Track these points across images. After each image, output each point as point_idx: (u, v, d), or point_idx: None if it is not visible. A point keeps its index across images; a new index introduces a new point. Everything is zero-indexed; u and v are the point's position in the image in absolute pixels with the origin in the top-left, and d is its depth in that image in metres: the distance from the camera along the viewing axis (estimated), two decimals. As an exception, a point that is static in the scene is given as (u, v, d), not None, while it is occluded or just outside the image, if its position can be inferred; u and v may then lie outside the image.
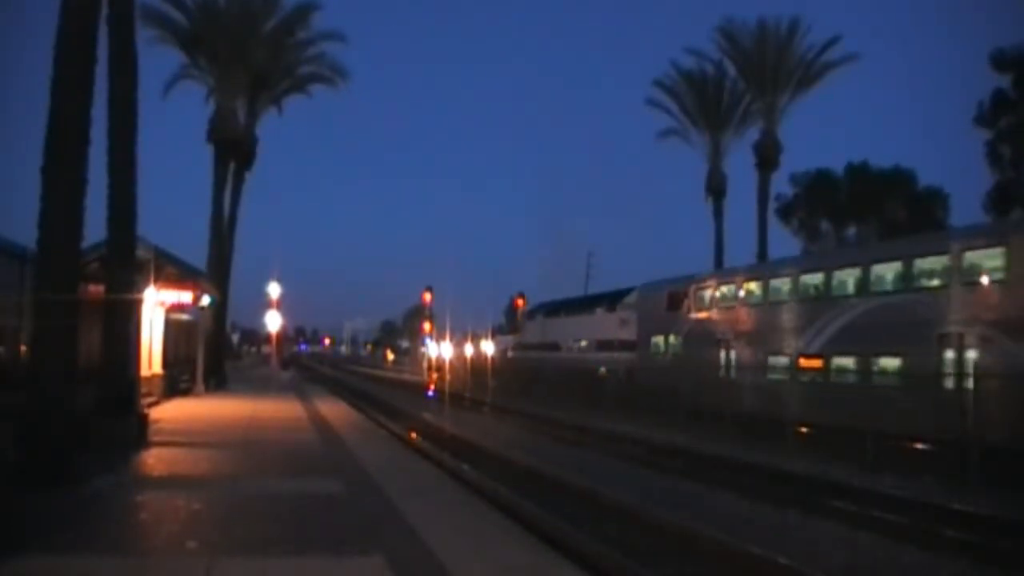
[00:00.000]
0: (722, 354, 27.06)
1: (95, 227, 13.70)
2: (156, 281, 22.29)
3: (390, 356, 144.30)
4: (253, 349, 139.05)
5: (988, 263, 18.36)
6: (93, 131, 11.76)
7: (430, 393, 47.40)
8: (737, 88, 48.48)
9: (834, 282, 23.10)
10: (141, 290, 19.09)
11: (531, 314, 52.86)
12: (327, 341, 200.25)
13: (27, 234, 12.15)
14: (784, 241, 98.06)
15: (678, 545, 10.61)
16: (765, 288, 26.15)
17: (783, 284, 25.32)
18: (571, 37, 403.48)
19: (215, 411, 23.67)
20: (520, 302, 57.90)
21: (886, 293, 21.04)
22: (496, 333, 62.20)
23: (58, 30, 11.37)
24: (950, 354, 18.47)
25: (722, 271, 30.01)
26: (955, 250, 19.18)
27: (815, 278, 24.18)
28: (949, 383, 18.33)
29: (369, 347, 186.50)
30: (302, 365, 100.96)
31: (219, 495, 10.39)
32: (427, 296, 75.87)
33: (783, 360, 23.95)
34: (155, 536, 8.24)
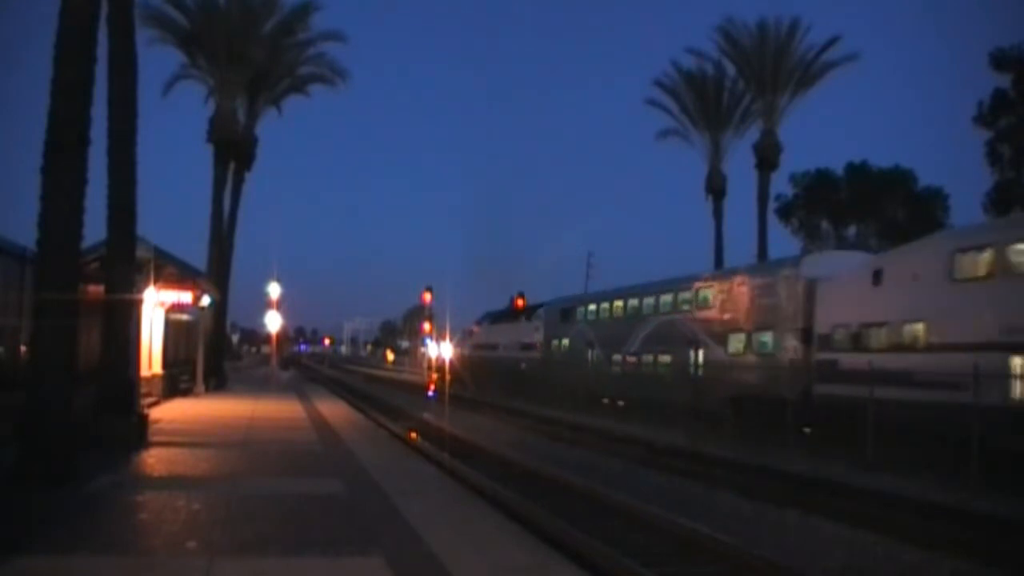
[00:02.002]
0: (589, 353, 36.50)
1: (95, 227, 13.71)
2: (156, 281, 22.27)
3: (390, 356, 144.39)
4: (253, 349, 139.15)
5: (710, 297, 27.99)
6: (93, 131, 11.77)
7: (431, 393, 47.56)
8: (737, 88, 48.41)
9: (643, 305, 32.89)
10: (141, 290, 19.09)
11: (480, 321, 60.93)
12: (327, 341, 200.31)
13: (27, 234, 12.17)
14: (784, 241, 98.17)
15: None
16: (611, 307, 36.36)
17: (619, 304, 35.51)
18: (571, 37, 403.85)
19: (215, 411, 23.68)
20: (520, 302, 57.60)
21: (667, 313, 30.77)
22: None
23: (58, 30, 11.37)
24: (693, 354, 28.05)
25: (590, 294, 40.90)
26: (694, 287, 29.28)
27: (634, 302, 33.88)
28: (694, 371, 28.04)
29: (369, 347, 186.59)
30: (302, 365, 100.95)
31: (219, 495, 10.39)
32: (427, 296, 75.72)
33: (619, 358, 33.72)
34: (155, 536, 8.23)
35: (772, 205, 49.06)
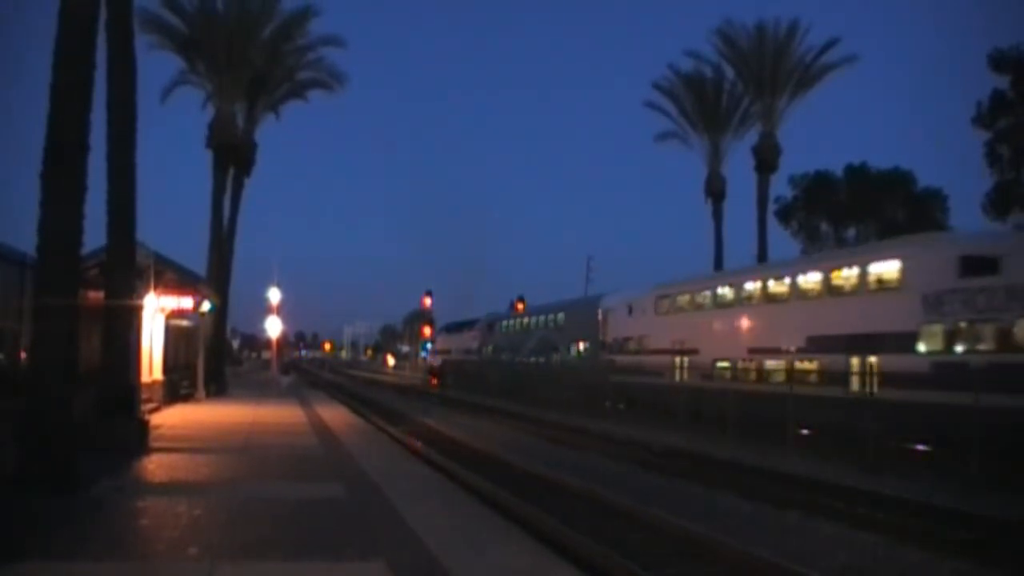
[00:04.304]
0: (503, 356, 50.32)
1: (95, 233, 13.71)
2: (156, 287, 22.28)
3: (391, 361, 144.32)
4: (253, 354, 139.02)
5: (562, 319, 42.72)
6: (93, 137, 11.77)
7: (432, 394, 48.27)
8: (736, 90, 48.42)
9: (532, 323, 47.64)
10: (141, 296, 19.11)
11: (440, 330, 73.81)
12: (327, 346, 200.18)
13: (27, 240, 12.16)
14: (784, 242, 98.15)
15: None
16: (515, 324, 50.62)
17: (520, 322, 50.10)
18: (569, 41, 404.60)
19: (216, 417, 23.66)
20: (520, 306, 57.73)
21: (543, 329, 44.94)
22: None
23: (57, 37, 11.38)
24: (556, 356, 42.17)
25: (505, 313, 55.73)
26: (556, 312, 44.05)
27: (526, 320, 48.99)
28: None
29: (369, 352, 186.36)
30: (302, 370, 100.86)
31: (220, 500, 10.38)
32: (427, 300, 75.89)
33: (518, 359, 47.21)
34: (156, 541, 8.21)
35: (772, 207, 49.07)
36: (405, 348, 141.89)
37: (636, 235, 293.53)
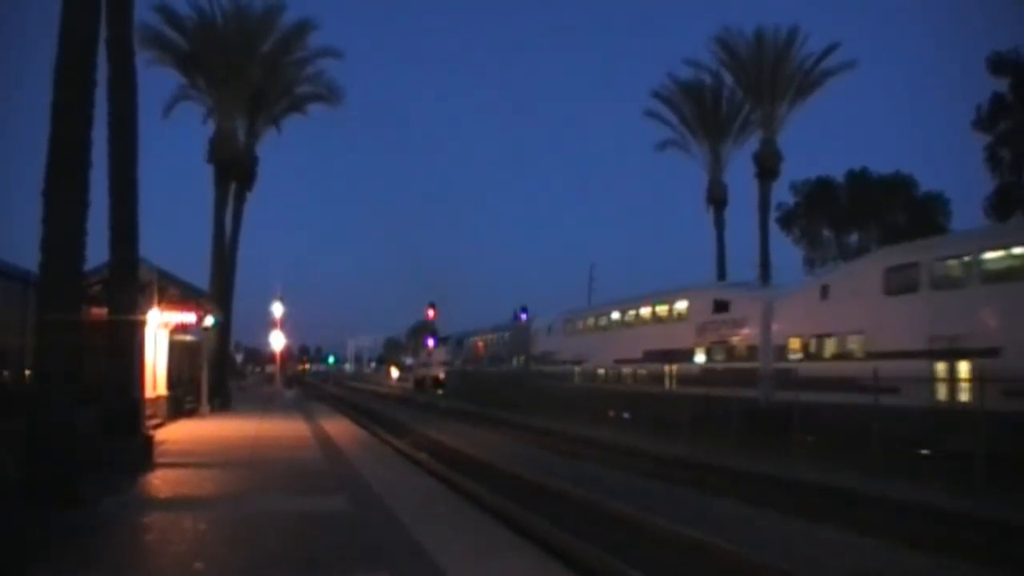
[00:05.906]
0: (468, 368, 60.03)
1: (98, 249, 13.74)
2: (159, 302, 22.29)
3: (394, 373, 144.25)
4: (257, 369, 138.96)
5: (506, 336, 52.96)
6: (95, 153, 11.82)
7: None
8: (736, 98, 48.45)
9: (488, 340, 57.41)
10: (144, 311, 19.11)
11: (424, 346, 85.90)
12: (332, 360, 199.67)
13: (30, 259, 12.20)
14: (787, 249, 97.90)
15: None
16: (484, 340, 58.80)
17: (487, 338, 58.25)
18: (568, 48, 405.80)
19: (220, 431, 23.64)
20: (523, 317, 57.97)
21: (495, 344, 54.76)
22: None
23: (58, 54, 11.44)
24: (504, 367, 51.43)
25: (468, 331, 64.93)
26: (504, 331, 54.38)
27: (487, 337, 58.02)
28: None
29: (372, 364, 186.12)
30: (306, 384, 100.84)
31: (225, 515, 10.36)
32: (431, 312, 75.98)
33: (483, 370, 55.96)
34: (161, 557, 8.20)
35: (774, 214, 49.00)
36: (409, 360, 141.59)
37: (640, 242, 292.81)
